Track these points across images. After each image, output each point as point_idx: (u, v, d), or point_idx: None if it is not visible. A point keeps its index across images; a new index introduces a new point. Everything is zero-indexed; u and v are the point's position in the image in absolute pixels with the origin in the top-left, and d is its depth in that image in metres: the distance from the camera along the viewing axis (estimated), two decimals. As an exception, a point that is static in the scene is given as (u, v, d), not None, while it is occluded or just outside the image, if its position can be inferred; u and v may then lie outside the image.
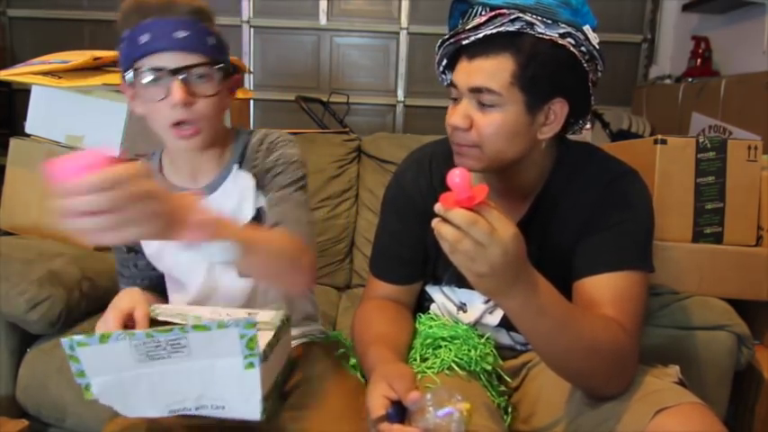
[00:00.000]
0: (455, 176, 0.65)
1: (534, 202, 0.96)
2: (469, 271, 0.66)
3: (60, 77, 1.37)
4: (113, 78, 1.40)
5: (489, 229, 0.64)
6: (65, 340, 0.71)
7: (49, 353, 1.22)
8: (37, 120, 1.60)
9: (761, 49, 2.40)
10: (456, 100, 0.90)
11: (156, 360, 0.74)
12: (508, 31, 0.82)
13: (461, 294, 1.04)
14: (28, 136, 1.61)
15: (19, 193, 1.61)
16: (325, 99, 2.96)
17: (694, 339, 1.26)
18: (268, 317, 0.84)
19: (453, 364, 0.92)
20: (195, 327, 0.72)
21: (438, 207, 0.65)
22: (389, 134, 1.96)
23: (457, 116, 0.86)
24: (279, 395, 0.89)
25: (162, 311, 0.89)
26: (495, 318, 1.02)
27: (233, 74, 0.93)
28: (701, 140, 1.37)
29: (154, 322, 0.84)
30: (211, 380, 0.77)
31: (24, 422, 1.18)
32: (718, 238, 1.39)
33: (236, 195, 0.96)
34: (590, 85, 0.87)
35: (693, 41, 2.78)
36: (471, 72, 0.84)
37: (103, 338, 0.72)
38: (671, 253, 1.37)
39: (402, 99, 3.42)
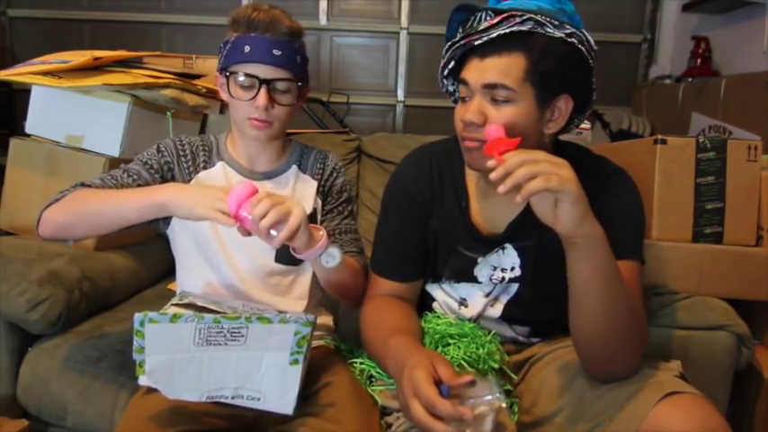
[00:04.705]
0: (492, 131, 0.82)
1: None
2: (558, 178, 0.73)
3: (60, 77, 1.37)
4: (113, 78, 1.40)
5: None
6: (138, 315, 0.75)
7: (51, 352, 1.22)
8: (37, 120, 1.60)
9: (761, 49, 2.40)
10: (464, 99, 0.93)
11: (212, 345, 0.78)
12: (520, 31, 0.86)
13: (461, 289, 1.05)
14: (28, 136, 1.61)
15: (19, 193, 1.60)
16: (325, 99, 2.97)
17: (694, 339, 1.26)
18: (295, 318, 0.85)
19: (463, 362, 0.93)
20: (260, 319, 0.78)
21: (492, 163, 0.76)
22: (389, 134, 1.96)
23: (471, 112, 0.89)
24: (300, 396, 0.90)
25: (195, 298, 0.92)
26: (496, 310, 1.04)
27: (307, 86, 1.10)
28: (701, 140, 1.37)
29: (190, 307, 0.88)
30: (256, 371, 0.81)
31: (24, 422, 1.18)
32: (718, 238, 1.39)
33: (290, 190, 1.12)
34: (593, 80, 0.92)
35: (693, 41, 2.78)
36: (484, 69, 0.88)
37: (174, 318, 0.76)
38: (671, 253, 1.37)
39: (402, 99, 3.42)
